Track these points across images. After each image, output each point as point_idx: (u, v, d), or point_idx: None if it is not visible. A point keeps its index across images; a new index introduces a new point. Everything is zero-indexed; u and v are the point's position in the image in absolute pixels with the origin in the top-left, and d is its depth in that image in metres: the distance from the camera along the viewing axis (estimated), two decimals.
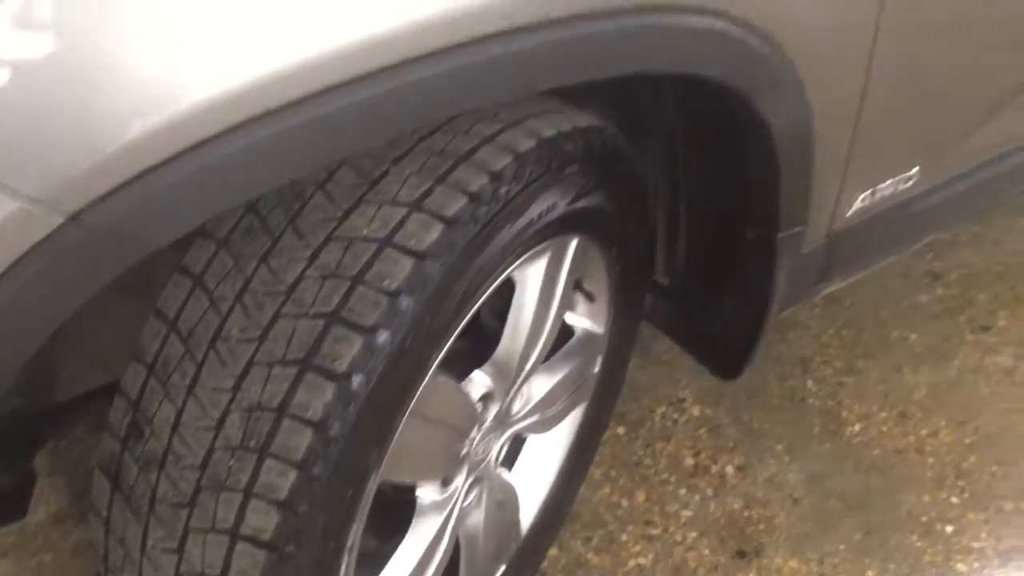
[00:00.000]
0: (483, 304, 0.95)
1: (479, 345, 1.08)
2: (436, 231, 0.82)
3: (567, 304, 1.16)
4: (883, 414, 1.63)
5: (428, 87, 0.72)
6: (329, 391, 0.78)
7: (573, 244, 1.07)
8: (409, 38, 0.71)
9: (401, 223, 0.82)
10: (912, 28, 1.08)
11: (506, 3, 0.74)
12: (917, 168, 1.25)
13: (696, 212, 1.22)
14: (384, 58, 0.70)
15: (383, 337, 0.79)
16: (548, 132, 0.94)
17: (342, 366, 0.78)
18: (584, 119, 1.00)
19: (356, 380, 0.78)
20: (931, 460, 1.55)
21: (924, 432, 1.60)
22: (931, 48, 1.14)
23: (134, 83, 0.64)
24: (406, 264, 0.80)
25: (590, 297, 1.22)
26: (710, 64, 0.91)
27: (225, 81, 0.66)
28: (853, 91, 1.06)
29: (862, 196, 1.21)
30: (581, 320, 1.23)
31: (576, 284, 1.19)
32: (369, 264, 0.80)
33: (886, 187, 1.23)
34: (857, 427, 1.61)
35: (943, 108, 1.24)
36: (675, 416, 1.63)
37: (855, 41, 1.03)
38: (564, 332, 1.21)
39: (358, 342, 0.78)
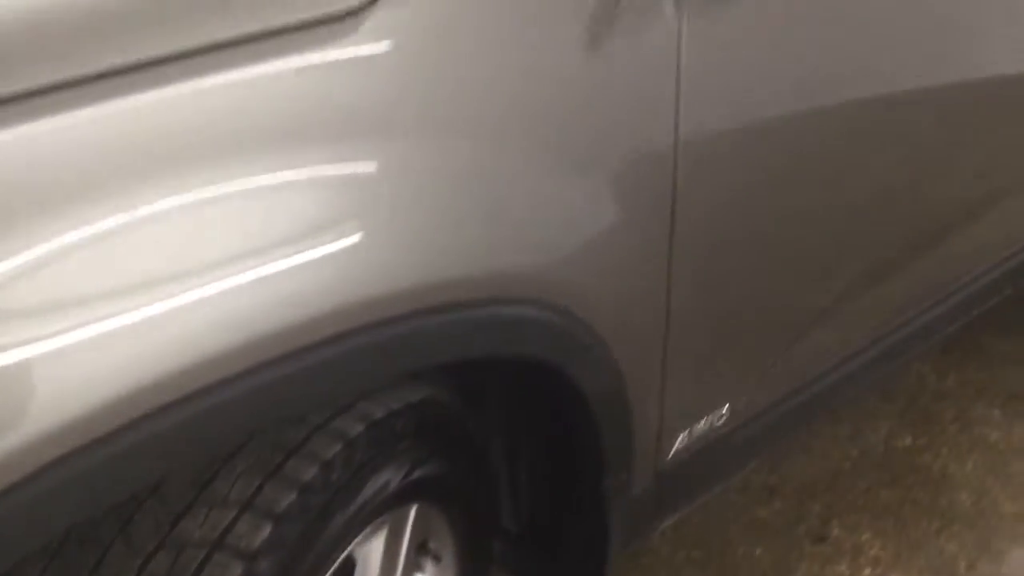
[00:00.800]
0: None
1: None
2: (266, 529, 0.85)
3: (413, 568, 1.18)
4: None
5: (255, 400, 0.78)
6: None
7: (412, 512, 1.11)
8: (261, 344, 0.77)
9: (231, 524, 0.84)
10: (700, 290, 1.22)
11: (331, 314, 0.82)
12: (727, 406, 1.37)
13: (533, 465, 1.29)
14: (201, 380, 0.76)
15: None
16: (378, 414, 1.00)
17: None
18: (415, 393, 1.07)
19: None
20: None
21: None
22: (722, 303, 1.28)
23: None
24: (236, 567, 0.82)
25: (436, 557, 1.24)
26: (522, 346, 1.01)
27: (63, 409, 0.69)
28: (655, 352, 1.18)
29: (680, 437, 1.31)
30: None
31: (421, 545, 1.22)
32: (199, 570, 0.82)
33: (701, 426, 1.34)
34: None
35: (741, 351, 1.38)
36: None
37: (650, 309, 1.15)
38: None
39: None
